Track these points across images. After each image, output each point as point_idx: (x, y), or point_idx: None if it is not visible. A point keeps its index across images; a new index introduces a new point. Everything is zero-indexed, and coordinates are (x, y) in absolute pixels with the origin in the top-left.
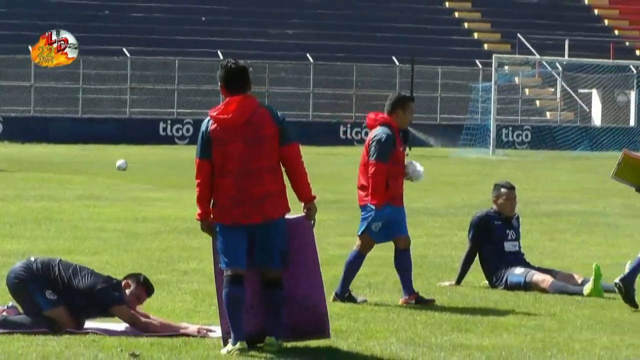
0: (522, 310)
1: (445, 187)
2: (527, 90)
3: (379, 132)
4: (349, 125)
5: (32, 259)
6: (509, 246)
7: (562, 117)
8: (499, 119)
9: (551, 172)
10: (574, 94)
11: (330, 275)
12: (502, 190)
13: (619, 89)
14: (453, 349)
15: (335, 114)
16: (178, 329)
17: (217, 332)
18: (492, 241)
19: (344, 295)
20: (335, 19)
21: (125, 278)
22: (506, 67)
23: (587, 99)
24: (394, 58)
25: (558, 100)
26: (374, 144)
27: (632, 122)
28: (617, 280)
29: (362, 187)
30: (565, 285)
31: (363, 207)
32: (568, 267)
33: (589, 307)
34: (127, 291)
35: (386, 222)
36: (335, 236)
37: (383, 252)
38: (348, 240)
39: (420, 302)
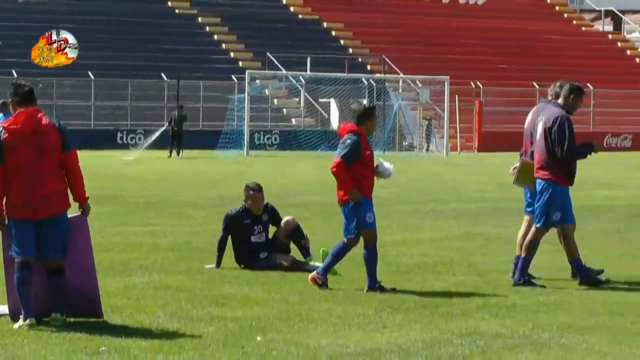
0: (270, 286)
1: (208, 183)
2: (275, 100)
3: (347, 136)
4: (124, 132)
5: None
6: (255, 238)
7: (305, 123)
8: (252, 124)
9: (296, 169)
10: (315, 103)
11: (108, 259)
12: (250, 192)
13: (353, 98)
14: (211, 320)
15: (113, 123)
16: None
17: (4, 310)
18: (241, 234)
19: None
20: (112, 42)
21: None
22: (258, 81)
23: (327, 107)
24: (162, 74)
25: (302, 108)
26: (340, 145)
27: None
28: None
29: (338, 188)
30: (306, 264)
31: (341, 207)
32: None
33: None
34: None
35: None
36: (111, 227)
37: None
38: (123, 230)
39: (383, 291)
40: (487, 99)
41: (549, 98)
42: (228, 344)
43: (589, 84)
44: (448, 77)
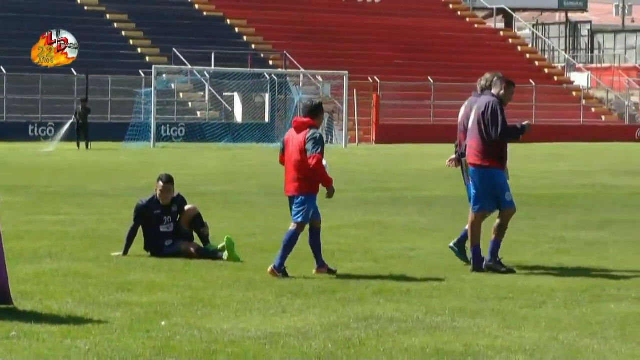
0: (175, 273)
1: (115, 174)
2: (181, 94)
3: (313, 132)
4: (36, 125)
5: None
6: (164, 228)
7: (210, 116)
8: (159, 117)
9: (201, 160)
10: (219, 97)
11: (18, 247)
12: (160, 183)
13: (256, 92)
14: (117, 306)
15: (24, 116)
16: None
17: None
18: (151, 224)
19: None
20: (23, 38)
21: None
22: (164, 76)
23: (230, 101)
24: (72, 69)
25: (206, 102)
26: (311, 141)
27: (267, 119)
28: (451, 244)
29: (297, 179)
30: (207, 251)
31: (299, 196)
32: (214, 237)
33: (229, 269)
34: None
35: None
36: (23, 215)
37: None
38: (34, 219)
39: (330, 272)
40: (384, 93)
41: (478, 92)
42: (134, 328)
43: None
44: (347, 72)
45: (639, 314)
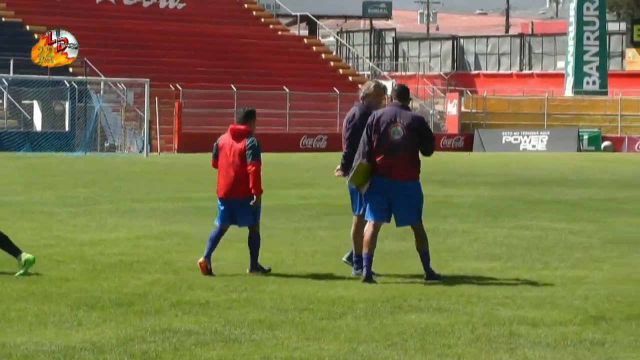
0: None
1: None
2: None
3: (251, 140)
4: None
5: None
6: None
7: (8, 124)
8: None
9: None
10: (18, 105)
11: None
12: None
13: (55, 100)
14: None
15: None
16: None
17: None
18: None
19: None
20: None
21: None
22: None
23: (29, 109)
24: None
25: (5, 110)
26: (252, 149)
27: (67, 127)
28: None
29: (239, 182)
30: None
31: (245, 199)
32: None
33: (24, 281)
34: None
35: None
36: None
37: None
38: None
39: (262, 271)
40: (187, 101)
41: (361, 102)
42: None
43: (285, 87)
44: (148, 79)
45: (439, 325)
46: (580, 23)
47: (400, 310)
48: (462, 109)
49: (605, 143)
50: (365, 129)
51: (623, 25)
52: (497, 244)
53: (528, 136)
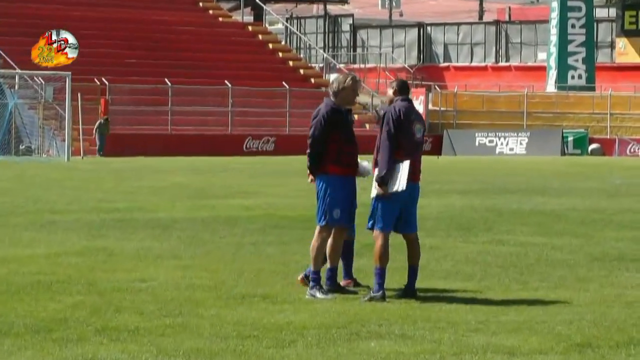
0: None
1: None
2: None
3: None
4: None
5: None
6: None
7: None
8: None
9: None
10: None
11: None
12: None
13: None
14: None
15: None
16: None
17: None
18: None
19: None
20: None
21: None
22: None
23: None
24: None
25: None
26: None
27: None
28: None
29: None
30: None
31: None
32: None
33: None
34: None
35: None
36: None
37: None
38: None
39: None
40: (114, 97)
41: (332, 97)
42: None
43: (227, 82)
44: (70, 72)
45: (402, 354)
46: (564, 9)
47: (358, 337)
48: (430, 106)
49: (593, 146)
50: (391, 124)
51: (613, 12)
52: (469, 262)
53: (505, 138)
